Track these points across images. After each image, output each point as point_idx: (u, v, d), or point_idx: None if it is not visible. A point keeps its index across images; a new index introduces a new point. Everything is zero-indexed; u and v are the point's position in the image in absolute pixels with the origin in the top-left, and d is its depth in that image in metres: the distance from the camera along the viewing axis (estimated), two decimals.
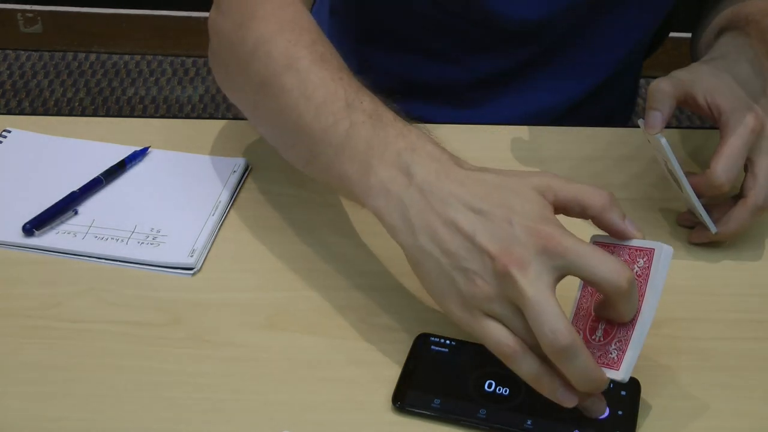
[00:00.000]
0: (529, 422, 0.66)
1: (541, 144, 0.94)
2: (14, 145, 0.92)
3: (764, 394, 0.70)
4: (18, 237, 0.81)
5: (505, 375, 0.69)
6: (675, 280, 0.79)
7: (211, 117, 2.24)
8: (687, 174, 0.78)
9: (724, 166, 0.77)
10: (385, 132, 0.70)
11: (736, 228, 0.80)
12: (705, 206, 0.79)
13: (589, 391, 0.63)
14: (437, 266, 0.65)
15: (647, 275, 0.64)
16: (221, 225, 0.84)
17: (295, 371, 0.71)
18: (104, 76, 2.38)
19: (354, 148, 0.70)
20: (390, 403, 0.68)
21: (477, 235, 0.64)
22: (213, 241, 0.82)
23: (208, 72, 2.39)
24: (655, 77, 0.83)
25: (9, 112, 2.18)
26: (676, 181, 0.80)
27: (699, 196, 0.79)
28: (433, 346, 0.72)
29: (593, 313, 0.66)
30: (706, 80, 0.80)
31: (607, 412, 0.66)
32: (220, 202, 0.85)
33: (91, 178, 0.87)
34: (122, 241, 0.81)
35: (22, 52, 2.44)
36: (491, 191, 0.65)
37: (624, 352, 0.63)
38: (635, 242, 0.66)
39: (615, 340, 0.64)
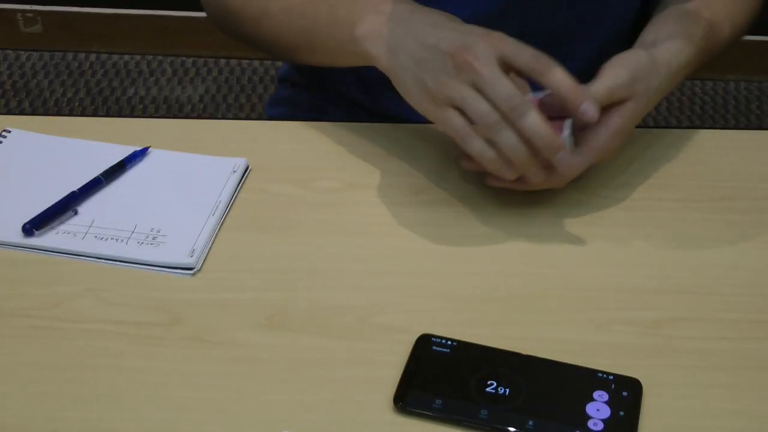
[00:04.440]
0: (530, 423, 0.66)
1: None
2: (14, 145, 0.92)
3: (764, 394, 0.70)
4: (18, 237, 0.81)
5: (507, 375, 0.69)
6: (675, 279, 0.79)
7: (211, 117, 2.24)
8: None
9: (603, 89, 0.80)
10: None
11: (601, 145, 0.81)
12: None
13: (542, 148, 0.76)
14: (412, 75, 0.81)
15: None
16: (221, 225, 0.84)
17: (295, 371, 0.71)
18: (104, 76, 2.37)
19: (339, 17, 0.87)
20: (390, 403, 0.68)
21: (440, 43, 0.79)
22: (213, 241, 0.82)
23: (208, 72, 2.39)
24: None
25: (9, 112, 2.18)
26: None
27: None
28: (434, 347, 0.72)
29: None
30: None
31: (608, 413, 0.67)
32: (220, 202, 0.85)
33: (91, 178, 0.87)
34: (122, 241, 0.81)
35: (22, 52, 2.44)
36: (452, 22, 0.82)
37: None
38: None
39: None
